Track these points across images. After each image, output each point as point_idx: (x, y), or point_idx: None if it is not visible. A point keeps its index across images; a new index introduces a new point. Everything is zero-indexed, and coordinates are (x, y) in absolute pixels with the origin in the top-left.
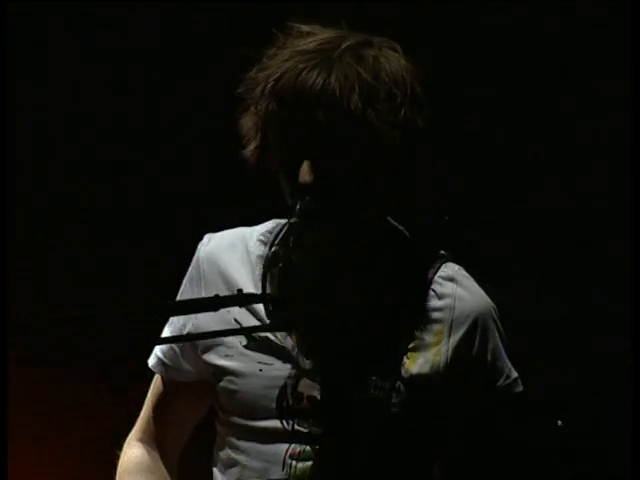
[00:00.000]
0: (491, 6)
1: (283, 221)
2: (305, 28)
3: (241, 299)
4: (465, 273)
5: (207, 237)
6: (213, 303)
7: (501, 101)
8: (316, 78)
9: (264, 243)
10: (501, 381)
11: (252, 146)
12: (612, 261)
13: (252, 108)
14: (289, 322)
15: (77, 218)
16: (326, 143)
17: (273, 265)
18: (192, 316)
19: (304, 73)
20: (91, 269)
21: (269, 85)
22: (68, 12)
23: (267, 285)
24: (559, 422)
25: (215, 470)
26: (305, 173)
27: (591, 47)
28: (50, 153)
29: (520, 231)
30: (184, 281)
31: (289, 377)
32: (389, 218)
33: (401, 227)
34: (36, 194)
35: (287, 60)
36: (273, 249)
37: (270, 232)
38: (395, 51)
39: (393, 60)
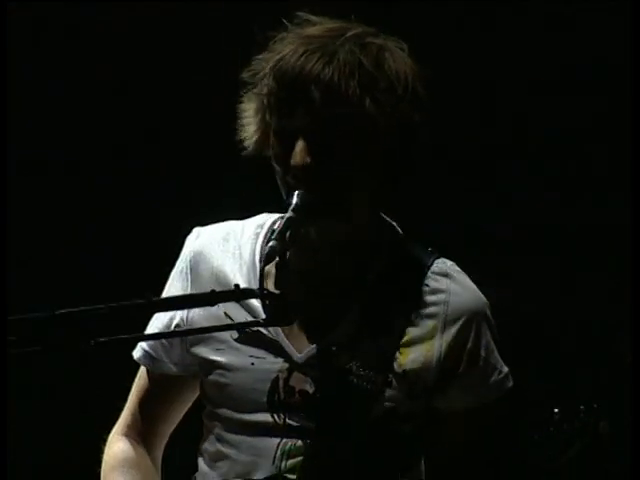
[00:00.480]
0: (491, 6)
1: (274, 215)
2: (314, 18)
3: (238, 294)
4: (458, 269)
5: (196, 231)
6: (210, 298)
7: (501, 100)
8: (317, 61)
9: (257, 238)
10: (494, 376)
11: (251, 129)
12: (612, 261)
13: (254, 89)
14: (286, 317)
15: (77, 218)
16: (321, 125)
17: (270, 260)
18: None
19: (305, 55)
20: (91, 269)
21: (270, 65)
22: (68, 12)
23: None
24: (555, 410)
25: (202, 463)
26: (298, 154)
27: (591, 47)
28: (50, 153)
29: (520, 231)
30: (171, 274)
31: (281, 371)
32: (382, 214)
33: (393, 223)
34: (36, 194)
35: (291, 43)
36: (270, 244)
37: (261, 226)
38: (401, 49)
39: (398, 56)
